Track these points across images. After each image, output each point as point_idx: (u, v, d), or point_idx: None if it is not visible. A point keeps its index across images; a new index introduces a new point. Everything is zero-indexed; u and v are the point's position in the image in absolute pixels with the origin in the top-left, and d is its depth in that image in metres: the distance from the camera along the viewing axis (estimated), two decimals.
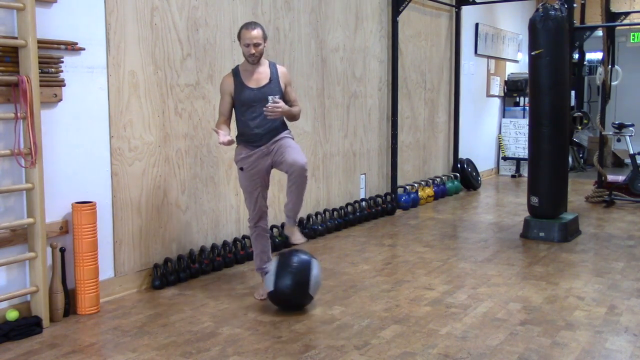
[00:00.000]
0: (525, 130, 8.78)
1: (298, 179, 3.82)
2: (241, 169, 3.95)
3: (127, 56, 4.08)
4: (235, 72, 3.94)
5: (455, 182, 8.30)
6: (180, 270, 4.39)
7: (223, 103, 3.96)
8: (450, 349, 3.23)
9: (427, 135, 7.98)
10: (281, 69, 4.00)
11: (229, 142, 3.75)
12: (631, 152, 7.34)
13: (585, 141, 10.63)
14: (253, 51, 3.81)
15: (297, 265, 3.73)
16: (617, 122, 7.61)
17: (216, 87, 4.74)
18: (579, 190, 8.29)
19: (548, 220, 5.62)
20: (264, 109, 3.80)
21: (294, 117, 4.06)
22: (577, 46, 7.37)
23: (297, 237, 4.00)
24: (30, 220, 3.50)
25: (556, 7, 5.46)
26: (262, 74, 3.90)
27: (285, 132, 4.00)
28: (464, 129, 8.82)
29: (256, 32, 3.81)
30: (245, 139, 3.94)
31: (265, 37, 3.88)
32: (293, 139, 4.03)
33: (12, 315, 3.43)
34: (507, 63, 10.17)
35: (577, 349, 3.23)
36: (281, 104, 3.84)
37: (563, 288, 4.23)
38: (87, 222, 3.73)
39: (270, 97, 3.84)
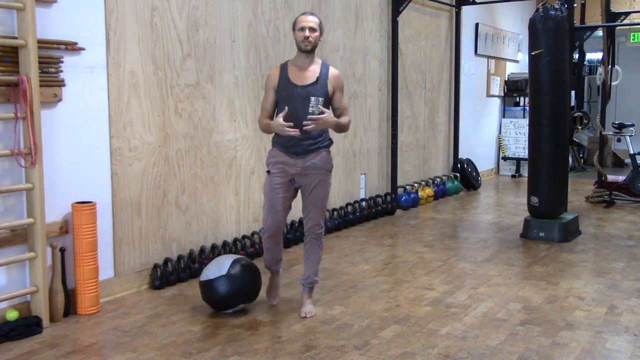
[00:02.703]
0: (525, 130, 8.79)
1: (314, 243, 3.76)
2: (268, 172, 3.68)
3: (127, 56, 4.07)
4: (284, 66, 3.68)
5: (455, 182, 8.30)
6: (180, 270, 4.39)
7: (266, 98, 3.67)
8: (450, 349, 3.23)
9: (427, 135, 7.98)
10: (333, 71, 3.67)
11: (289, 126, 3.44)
12: (631, 152, 7.34)
13: (585, 141, 10.63)
14: (307, 34, 3.51)
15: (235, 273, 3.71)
16: (617, 122, 7.61)
17: (216, 87, 4.75)
18: (579, 190, 8.29)
19: (548, 220, 5.62)
20: (305, 121, 3.46)
21: (342, 130, 3.70)
22: (577, 46, 7.37)
23: (306, 309, 3.72)
24: (30, 220, 3.50)
25: (556, 7, 5.46)
26: (311, 72, 3.60)
27: (328, 157, 3.69)
28: (464, 129, 8.81)
29: (313, 17, 3.57)
30: (282, 141, 3.62)
31: (322, 29, 3.62)
32: (331, 170, 3.75)
33: (12, 315, 3.43)
34: (507, 63, 10.17)
35: (577, 349, 3.23)
36: (325, 115, 3.47)
37: (563, 288, 4.23)
38: (87, 222, 3.73)
39: (312, 98, 3.54)
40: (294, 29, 3.62)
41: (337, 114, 3.69)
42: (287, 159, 3.63)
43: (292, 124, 3.45)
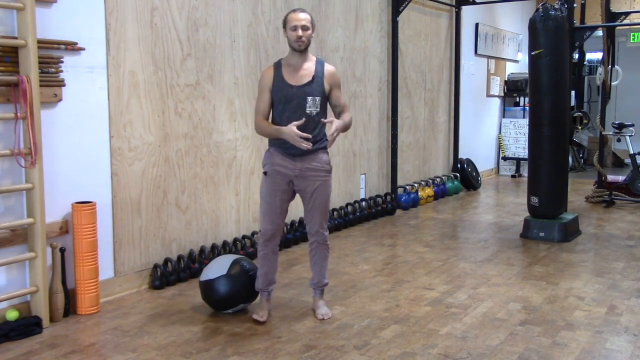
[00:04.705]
0: (525, 130, 8.78)
1: (320, 248, 3.69)
2: (265, 173, 3.57)
3: (127, 56, 4.08)
4: (277, 65, 3.56)
5: (455, 182, 8.30)
6: (180, 270, 4.39)
7: (261, 99, 3.54)
8: (450, 349, 3.23)
9: (427, 135, 7.98)
10: (329, 68, 3.57)
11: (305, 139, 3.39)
12: (631, 152, 7.34)
13: (585, 141, 10.64)
14: (301, 33, 3.42)
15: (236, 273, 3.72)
16: (617, 122, 7.61)
17: (216, 87, 4.75)
18: (579, 190, 8.29)
19: (548, 220, 5.62)
20: (327, 137, 3.46)
21: (348, 129, 3.61)
22: (577, 46, 7.37)
23: (322, 312, 3.69)
24: (30, 220, 3.50)
25: (556, 7, 5.46)
26: (306, 70, 3.51)
27: (326, 157, 3.60)
28: (464, 129, 8.82)
29: (305, 15, 3.47)
30: (279, 142, 3.51)
31: (314, 25, 3.52)
32: (330, 170, 3.64)
33: (12, 315, 3.43)
34: (507, 63, 10.17)
35: (577, 349, 3.23)
36: (336, 125, 3.41)
37: (563, 288, 4.23)
38: (87, 222, 3.73)
39: (309, 98, 3.46)
40: (284, 28, 3.51)
41: (337, 112, 3.61)
42: (286, 162, 3.53)
43: (309, 135, 3.40)
